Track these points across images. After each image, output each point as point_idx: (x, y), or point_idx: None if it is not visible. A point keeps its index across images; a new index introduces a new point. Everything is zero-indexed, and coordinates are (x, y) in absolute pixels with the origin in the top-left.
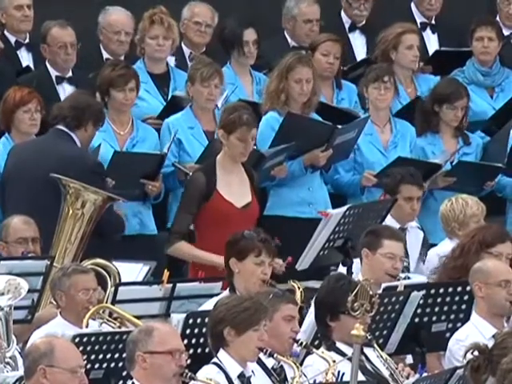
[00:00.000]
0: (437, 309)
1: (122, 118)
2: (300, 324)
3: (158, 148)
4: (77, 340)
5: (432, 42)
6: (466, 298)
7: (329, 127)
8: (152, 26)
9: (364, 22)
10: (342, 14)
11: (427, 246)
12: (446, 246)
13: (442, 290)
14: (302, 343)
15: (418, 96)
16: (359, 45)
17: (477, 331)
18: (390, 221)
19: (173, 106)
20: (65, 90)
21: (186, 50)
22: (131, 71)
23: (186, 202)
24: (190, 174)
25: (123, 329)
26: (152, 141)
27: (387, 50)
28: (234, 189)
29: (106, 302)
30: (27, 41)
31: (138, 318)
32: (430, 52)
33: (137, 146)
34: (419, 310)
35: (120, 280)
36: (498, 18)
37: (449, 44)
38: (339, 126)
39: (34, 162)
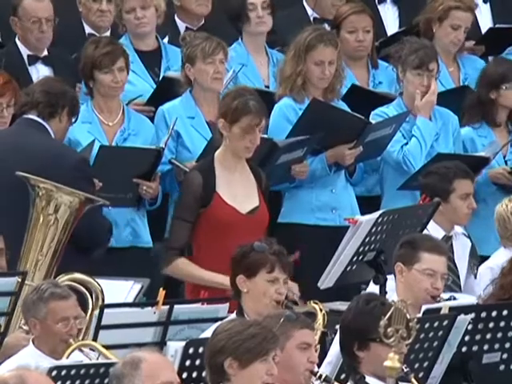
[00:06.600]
0: (489, 336)
1: (111, 106)
2: (324, 354)
3: (155, 142)
4: (54, 373)
5: (484, 14)
6: None
7: (361, 121)
8: None
9: None
10: None
11: (476, 256)
12: (500, 257)
13: (494, 313)
14: (321, 376)
15: (466, 85)
16: (391, 18)
17: None
18: (432, 227)
19: (164, 89)
20: (38, 72)
21: (181, 25)
22: (118, 47)
23: (182, 208)
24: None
25: (108, 360)
26: (148, 133)
27: (431, 19)
28: (238, 191)
29: (89, 327)
30: None
31: (128, 347)
32: (482, 26)
33: (129, 140)
34: (467, 337)
35: (104, 300)
36: None
37: (504, 18)
38: (373, 121)
39: (4, 160)
